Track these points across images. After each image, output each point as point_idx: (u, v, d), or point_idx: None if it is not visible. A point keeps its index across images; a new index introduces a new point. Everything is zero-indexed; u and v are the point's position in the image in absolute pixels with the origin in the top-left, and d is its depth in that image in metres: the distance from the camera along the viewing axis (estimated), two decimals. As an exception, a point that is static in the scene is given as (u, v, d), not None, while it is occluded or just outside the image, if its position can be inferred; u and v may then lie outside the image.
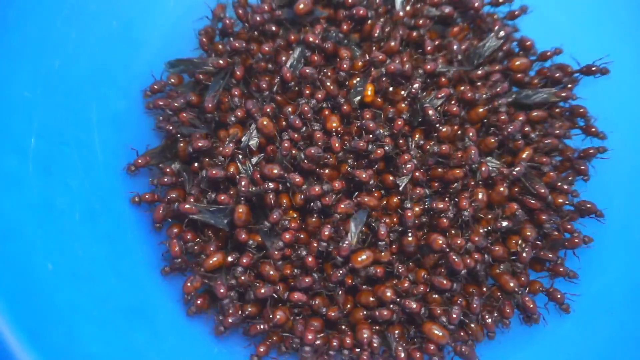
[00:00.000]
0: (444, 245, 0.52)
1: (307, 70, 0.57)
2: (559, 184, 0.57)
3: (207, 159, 0.58)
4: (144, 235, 0.58)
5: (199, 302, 0.54)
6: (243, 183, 0.53)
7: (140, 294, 0.52)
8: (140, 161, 0.59)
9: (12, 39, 0.48)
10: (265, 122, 0.56)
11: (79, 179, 0.53)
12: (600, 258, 0.57)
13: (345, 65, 0.58)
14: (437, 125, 0.57)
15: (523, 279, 0.56)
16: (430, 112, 0.55)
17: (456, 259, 0.51)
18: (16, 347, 0.39)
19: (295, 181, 0.54)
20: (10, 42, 0.48)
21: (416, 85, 0.57)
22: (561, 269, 0.56)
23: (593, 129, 0.60)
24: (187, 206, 0.54)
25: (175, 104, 0.57)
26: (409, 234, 0.54)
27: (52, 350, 0.40)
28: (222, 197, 0.54)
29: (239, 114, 0.59)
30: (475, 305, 0.52)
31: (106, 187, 0.56)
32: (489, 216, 0.56)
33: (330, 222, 0.53)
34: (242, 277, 0.53)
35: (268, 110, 0.58)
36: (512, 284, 0.53)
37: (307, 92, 0.59)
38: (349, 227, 0.52)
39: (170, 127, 0.59)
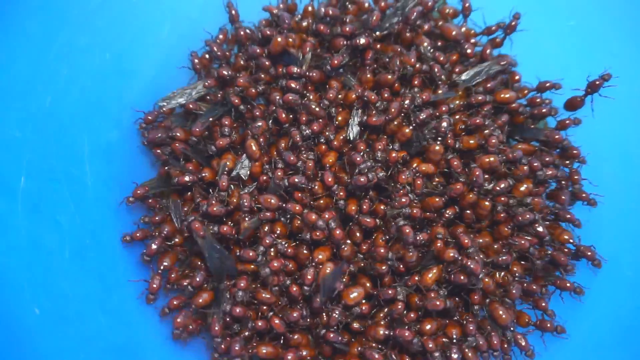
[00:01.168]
0: (456, 256, 0.52)
1: (290, 98, 0.57)
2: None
3: (200, 193, 0.59)
4: (133, 268, 0.58)
5: (190, 327, 0.54)
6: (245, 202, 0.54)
7: (128, 332, 0.53)
8: (139, 192, 0.59)
9: (2, 78, 0.48)
10: (252, 145, 0.57)
11: (68, 215, 0.53)
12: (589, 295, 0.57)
13: (331, 95, 0.58)
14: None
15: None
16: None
17: (472, 265, 0.51)
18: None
19: (295, 209, 0.54)
20: (0, 82, 0.48)
21: (423, 116, 0.57)
22: (543, 304, 0.56)
23: (583, 195, 0.60)
24: (197, 226, 0.54)
25: (169, 134, 0.58)
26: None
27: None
28: (225, 229, 0.55)
29: (221, 143, 0.59)
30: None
31: (97, 221, 0.57)
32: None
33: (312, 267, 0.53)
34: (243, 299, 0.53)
35: (257, 133, 0.59)
36: (505, 317, 0.53)
37: (304, 118, 0.59)
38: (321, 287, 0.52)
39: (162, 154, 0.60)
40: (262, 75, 0.63)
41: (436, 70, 0.61)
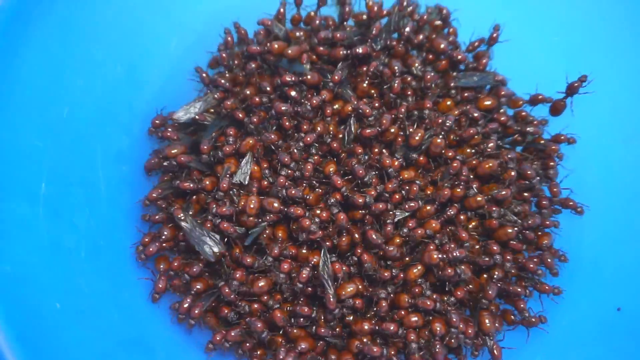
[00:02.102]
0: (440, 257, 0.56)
1: (283, 108, 0.61)
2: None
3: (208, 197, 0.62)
4: (143, 266, 0.62)
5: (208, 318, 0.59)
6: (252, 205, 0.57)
7: (139, 326, 0.57)
8: (154, 194, 0.62)
9: (25, 92, 0.52)
10: (250, 142, 0.61)
11: (84, 218, 0.57)
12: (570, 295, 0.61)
13: (314, 101, 0.62)
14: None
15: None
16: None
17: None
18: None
19: (297, 213, 0.57)
20: (23, 96, 0.52)
21: (439, 140, 0.62)
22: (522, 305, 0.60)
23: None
24: (179, 214, 0.58)
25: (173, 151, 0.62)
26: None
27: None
28: (225, 225, 0.58)
29: (227, 149, 0.63)
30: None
31: (109, 222, 0.61)
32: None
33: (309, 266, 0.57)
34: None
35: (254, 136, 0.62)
36: (489, 325, 0.57)
37: (305, 127, 0.63)
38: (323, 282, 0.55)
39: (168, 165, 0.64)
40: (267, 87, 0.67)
41: (428, 78, 0.65)
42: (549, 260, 0.59)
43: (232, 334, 0.57)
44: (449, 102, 0.67)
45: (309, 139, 0.61)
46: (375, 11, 0.67)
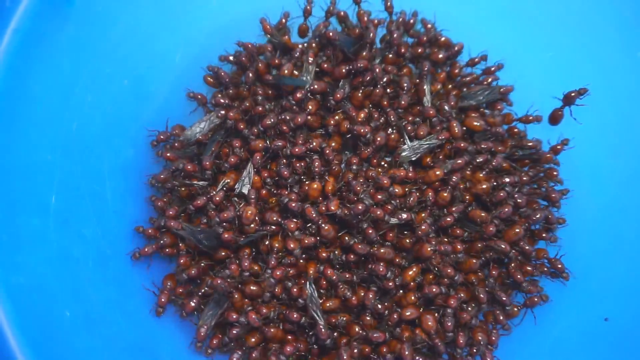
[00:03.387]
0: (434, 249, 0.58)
1: (268, 122, 0.64)
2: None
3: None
4: (149, 274, 0.64)
5: (214, 342, 0.61)
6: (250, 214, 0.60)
7: (144, 332, 0.59)
8: (171, 212, 0.64)
9: (37, 108, 0.54)
10: (260, 145, 0.64)
11: (92, 228, 0.59)
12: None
13: (299, 120, 0.64)
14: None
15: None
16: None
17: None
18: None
19: (289, 227, 0.60)
20: (35, 112, 0.54)
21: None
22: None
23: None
24: (172, 222, 0.60)
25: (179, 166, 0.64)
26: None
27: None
28: (226, 236, 0.60)
29: (232, 160, 0.65)
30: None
31: (115, 233, 0.63)
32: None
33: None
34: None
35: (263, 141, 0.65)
36: (480, 338, 0.60)
37: (300, 141, 0.65)
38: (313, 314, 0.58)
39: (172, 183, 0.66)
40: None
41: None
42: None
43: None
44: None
45: (297, 150, 0.63)
46: (366, 20, 0.69)
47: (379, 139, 0.63)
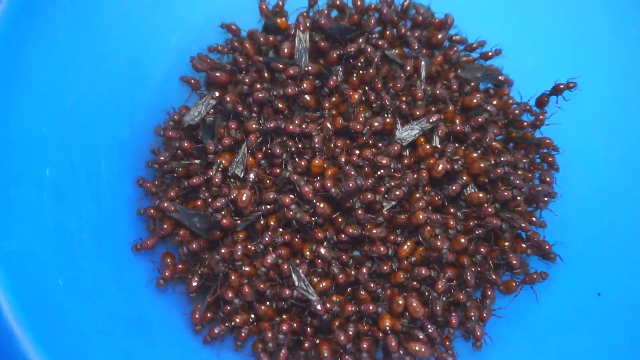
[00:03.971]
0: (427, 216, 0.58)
1: (260, 96, 0.64)
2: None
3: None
4: (144, 252, 0.64)
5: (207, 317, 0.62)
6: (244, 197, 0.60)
7: (138, 306, 0.59)
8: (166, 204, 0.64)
9: (33, 83, 0.55)
10: (254, 125, 0.64)
11: (87, 203, 0.60)
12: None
13: (291, 127, 0.63)
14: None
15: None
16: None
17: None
18: (32, 352, 0.46)
19: (285, 202, 0.60)
20: (31, 86, 0.55)
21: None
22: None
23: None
24: (166, 204, 0.61)
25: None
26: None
27: (61, 355, 0.47)
28: (225, 222, 0.61)
29: (226, 142, 0.65)
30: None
31: (110, 209, 0.63)
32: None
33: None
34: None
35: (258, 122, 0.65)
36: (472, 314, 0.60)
37: (297, 120, 0.65)
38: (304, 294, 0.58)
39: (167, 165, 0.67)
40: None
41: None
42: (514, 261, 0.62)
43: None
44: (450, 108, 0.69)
45: (291, 127, 0.63)
46: (359, 5, 0.69)
47: (376, 124, 0.63)
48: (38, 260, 0.50)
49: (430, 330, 0.58)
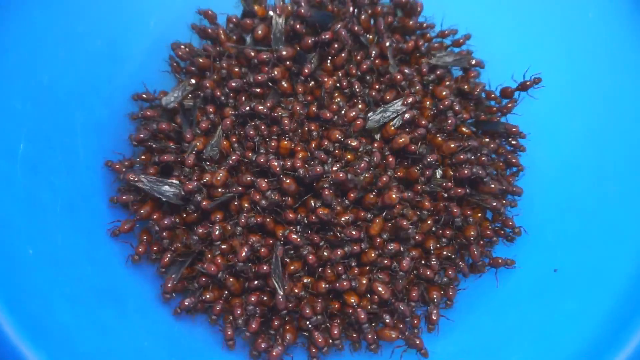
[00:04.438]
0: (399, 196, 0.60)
1: (233, 84, 0.66)
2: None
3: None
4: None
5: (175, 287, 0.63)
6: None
7: (110, 279, 0.61)
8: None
9: (6, 58, 0.57)
10: (229, 111, 0.66)
11: (62, 178, 0.62)
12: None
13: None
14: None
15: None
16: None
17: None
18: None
19: (261, 186, 0.61)
20: (4, 61, 0.57)
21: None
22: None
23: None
24: (131, 176, 0.62)
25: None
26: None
27: (29, 319, 0.49)
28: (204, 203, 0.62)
29: (203, 125, 0.67)
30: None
31: (87, 185, 0.65)
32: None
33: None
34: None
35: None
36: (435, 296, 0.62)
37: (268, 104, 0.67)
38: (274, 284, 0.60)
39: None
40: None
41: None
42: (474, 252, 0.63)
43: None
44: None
45: (260, 107, 0.65)
46: None
47: (352, 114, 0.64)
48: (9, 228, 0.52)
49: (402, 308, 0.60)
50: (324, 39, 0.69)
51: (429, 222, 0.63)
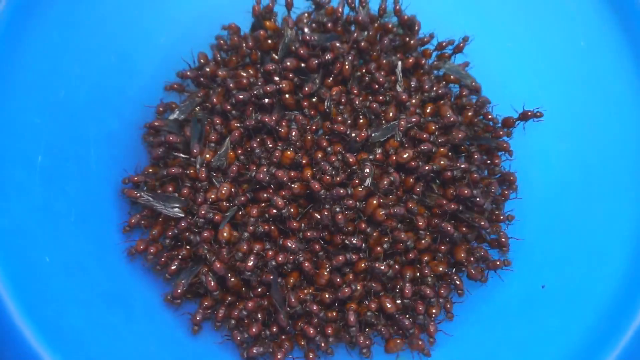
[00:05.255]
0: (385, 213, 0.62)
1: (240, 97, 0.68)
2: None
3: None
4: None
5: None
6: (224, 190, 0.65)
7: (119, 283, 0.64)
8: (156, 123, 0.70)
9: (26, 75, 0.60)
10: (236, 124, 0.69)
11: (75, 187, 0.65)
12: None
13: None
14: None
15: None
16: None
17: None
18: (18, 320, 0.51)
19: (278, 204, 0.63)
20: (25, 78, 0.60)
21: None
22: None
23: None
24: (135, 193, 0.65)
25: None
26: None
27: (44, 323, 0.52)
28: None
29: (213, 137, 0.70)
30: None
31: (98, 194, 0.68)
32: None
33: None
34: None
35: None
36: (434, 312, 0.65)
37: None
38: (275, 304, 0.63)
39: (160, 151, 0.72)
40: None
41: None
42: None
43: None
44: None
45: (267, 119, 0.67)
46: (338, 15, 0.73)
47: (363, 134, 0.66)
48: (27, 237, 0.55)
49: (406, 323, 0.63)
50: (327, 60, 0.71)
51: (424, 241, 0.66)
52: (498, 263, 0.66)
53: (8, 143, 0.57)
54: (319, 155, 0.68)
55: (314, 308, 0.62)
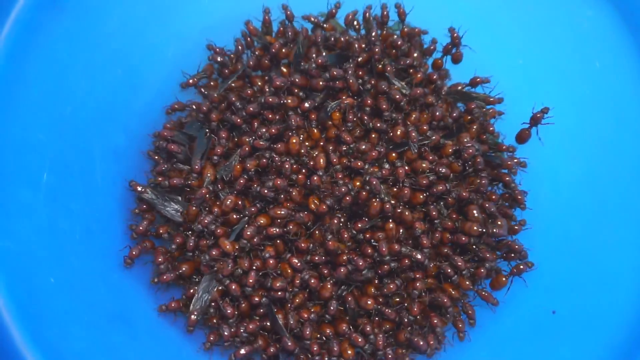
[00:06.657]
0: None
1: (251, 109, 0.68)
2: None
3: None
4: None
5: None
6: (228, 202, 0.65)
7: (123, 302, 0.64)
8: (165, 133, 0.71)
9: (32, 92, 0.60)
10: (245, 139, 0.68)
11: (80, 204, 0.65)
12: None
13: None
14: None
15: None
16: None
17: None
18: (21, 343, 0.50)
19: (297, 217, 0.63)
20: (30, 95, 0.60)
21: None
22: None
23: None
24: (139, 188, 0.65)
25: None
26: None
27: (47, 347, 0.52)
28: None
29: (218, 151, 0.69)
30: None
31: (103, 210, 0.68)
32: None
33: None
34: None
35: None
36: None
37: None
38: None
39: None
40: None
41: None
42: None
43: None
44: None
45: (273, 130, 0.67)
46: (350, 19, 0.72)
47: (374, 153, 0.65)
48: (32, 259, 0.55)
49: (421, 344, 0.62)
50: (336, 86, 0.70)
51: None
52: (522, 267, 0.63)
53: (13, 162, 0.57)
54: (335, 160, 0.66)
55: (315, 349, 0.62)
